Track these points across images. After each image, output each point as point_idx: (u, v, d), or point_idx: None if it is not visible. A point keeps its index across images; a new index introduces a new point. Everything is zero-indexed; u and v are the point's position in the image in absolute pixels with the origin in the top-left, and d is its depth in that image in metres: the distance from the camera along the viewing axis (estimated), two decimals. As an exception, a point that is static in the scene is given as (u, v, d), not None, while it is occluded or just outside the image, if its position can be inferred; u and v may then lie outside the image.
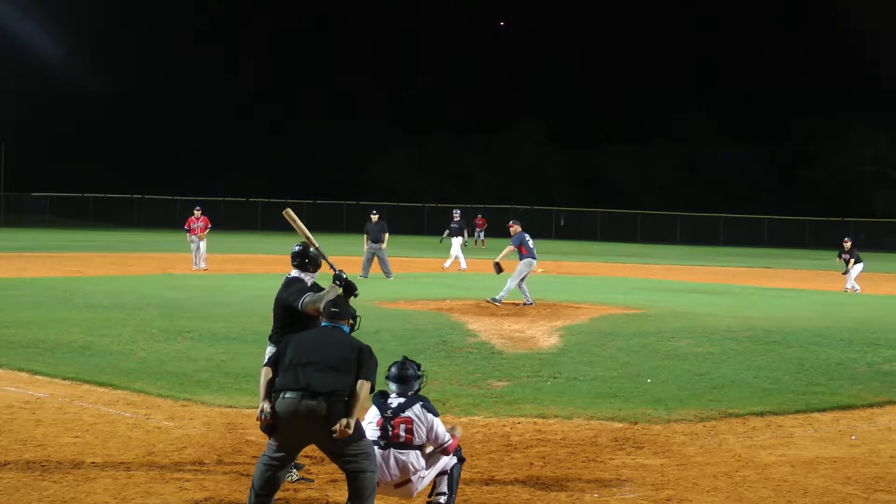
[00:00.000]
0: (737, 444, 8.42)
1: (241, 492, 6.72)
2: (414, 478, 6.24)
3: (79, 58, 68.00)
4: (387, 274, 24.47)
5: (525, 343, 13.94)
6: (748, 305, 20.63)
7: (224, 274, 25.57)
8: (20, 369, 10.97)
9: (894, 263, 42.26)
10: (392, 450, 6.20)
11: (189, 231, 27.19)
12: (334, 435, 5.87)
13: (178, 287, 21.16)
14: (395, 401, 6.38)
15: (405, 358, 6.71)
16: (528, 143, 75.90)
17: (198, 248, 26.94)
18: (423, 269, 28.91)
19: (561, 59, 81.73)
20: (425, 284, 23.56)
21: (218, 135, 78.47)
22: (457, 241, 30.28)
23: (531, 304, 18.29)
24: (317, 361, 6.04)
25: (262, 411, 6.06)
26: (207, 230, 27.21)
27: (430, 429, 6.30)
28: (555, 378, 11.22)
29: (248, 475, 7.13)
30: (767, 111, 72.48)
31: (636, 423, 9.06)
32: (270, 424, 6.03)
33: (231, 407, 9.37)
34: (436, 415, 6.36)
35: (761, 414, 9.57)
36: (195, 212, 27.29)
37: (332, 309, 6.45)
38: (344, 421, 5.88)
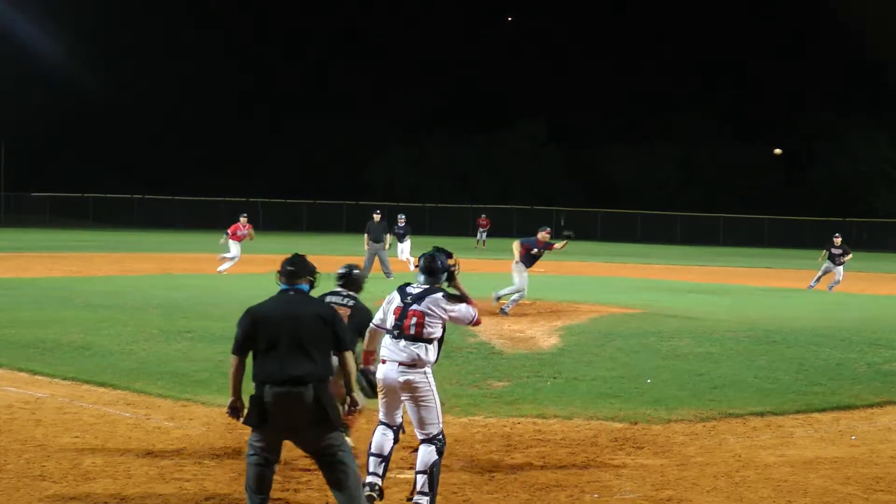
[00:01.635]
0: (737, 444, 8.42)
1: (240, 492, 6.71)
2: (420, 377, 6.49)
3: (78, 58, 68.00)
4: (387, 274, 24.47)
5: (525, 343, 13.94)
6: (748, 305, 20.63)
7: (224, 274, 25.56)
8: (20, 369, 10.98)
9: (894, 263, 42.23)
10: (403, 340, 6.53)
11: (231, 236, 26.65)
12: (344, 414, 6.03)
13: (178, 287, 21.15)
14: (414, 289, 6.71)
15: (436, 248, 6.90)
16: (528, 143, 75.87)
17: (234, 255, 26.56)
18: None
19: (561, 58, 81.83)
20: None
21: (218, 135, 78.47)
22: (403, 246, 28.69)
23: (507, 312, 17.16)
24: (295, 345, 5.89)
25: (233, 409, 6.07)
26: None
27: (447, 319, 6.61)
28: (555, 378, 11.22)
29: (248, 475, 7.14)
30: (768, 111, 72.47)
31: (636, 423, 9.06)
32: (259, 415, 5.95)
33: (231, 407, 9.36)
34: (457, 299, 6.65)
35: (761, 414, 9.58)
36: (241, 219, 26.97)
37: (289, 268, 6.18)
38: (349, 399, 6.01)
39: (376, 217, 25.45)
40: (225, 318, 15.39)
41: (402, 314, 6.61)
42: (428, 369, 6.55)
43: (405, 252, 28.64)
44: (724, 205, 64.70)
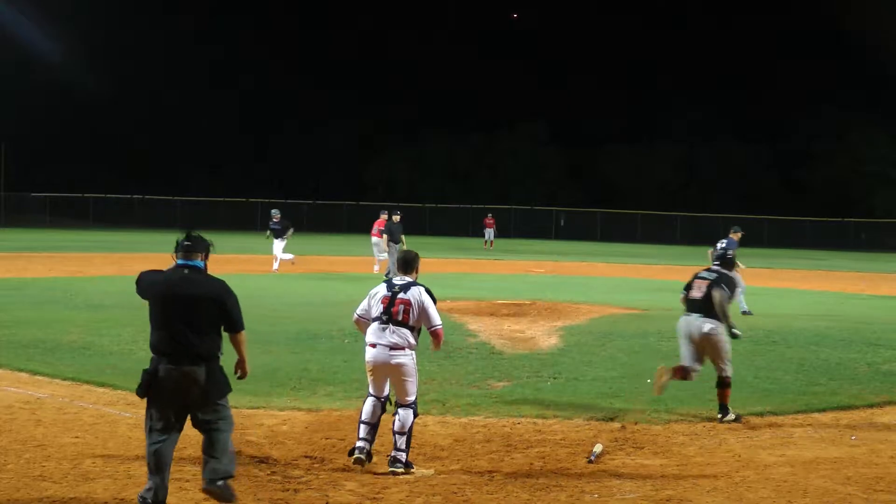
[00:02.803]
0: (737, 444, 8.42)
1: (240, 492, 6.72)
2: (408, 359, 7.38)
3: (78, 58, 67.98)
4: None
5: (525, 343, 13.94)
6: (748, 305, 20.59)
7: (224, 274, 25.57)
8: (20, 369, 10.98)
9: (894, 263, 42.23)
10: (391, 325, 7.36)
11: (376, 234, 26.80)
12: (237, 375, 6.56)
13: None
14: (400, 281, 7.57)
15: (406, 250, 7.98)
16: (528, 143, 75.88)
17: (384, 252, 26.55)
18: (423, 269, 28.94)
19: (561, 58, 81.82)
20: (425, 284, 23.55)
21: (218, 134, 78.48)
22: (279, 243, 27.42)
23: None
24: (188, 321, 6.21)
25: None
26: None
27: (422, 310, 7.38)
28: (555, 378, 11.22)
29: (248, 475, 7.14)
30: (768, 111, 72.48)
31: (636, 423, 9.07)
32: (146, 389, 6.25)
33: (231, 407, 9.34)
34: (433, 301, 7.46)
35: (761, 414, 9.58)
36: (382, 215, 27.16)
37: (186, 243, 6.44)
38: (240, 370, 6.61)
39: (395, 218, 25.21)
40: (225, 318, 15.41)
41: (390, 302, 7.41)
42: (412, 352, 7.45)
43: (278, 249, 27.20)
44: (724, 205, 64.71)
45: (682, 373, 9.60)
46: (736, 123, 72.52)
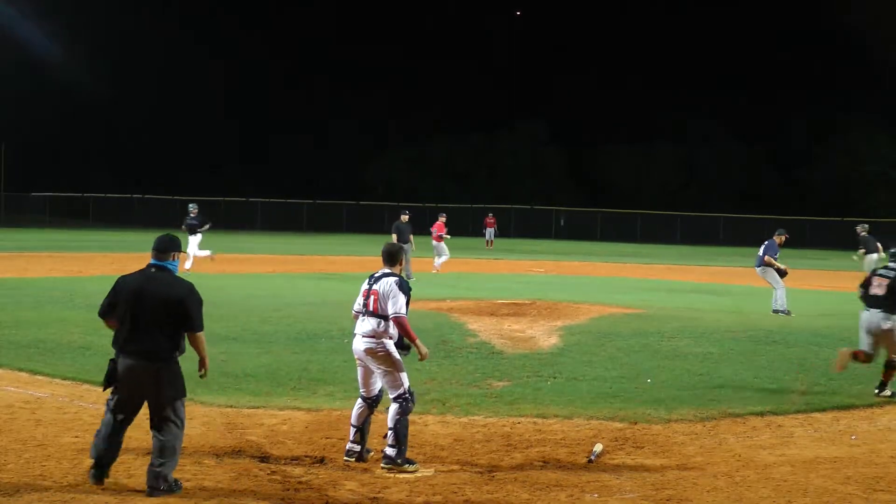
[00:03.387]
0: (737, 444, 8.42)
1: (241, 492, 6.72)
2: (378, 346, 7.60)
3: (78, 58, 67.95)
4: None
5: (525, 343, 13.94)
6: (748, 305, 20.62)
7: (224, 274, 25.55)
8: (20, 369, 10.98)
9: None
10: (366, 316, 7.70)
11: (436, 237, 28.55)
12: (200, 374, 6.84)
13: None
14: (378, 273, 7.86)
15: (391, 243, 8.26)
16: (528, 143, 75.87)
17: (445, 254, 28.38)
18: (422, 268, 28.92)
19: (561, 58, 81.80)
20: (425, 284, 23.54)
21: (218, 134, 78.46)
22: (194, 239, 26.15)
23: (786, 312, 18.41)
24: (147, 320, 6.56)
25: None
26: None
27: (387, 297, 7.62)
28: (555, 378, 11.23)
29: (248, 475, 7.14)
30: (767, 111, 72.47)
31: (636, 423, 9.07)
32: (108, 380, 6.67)
33: (231, 407, 9.38)
34: (403, 292, 7.66)
35: (761, 414, 9.58)
36: (441, 218, 29.01)
37: (157, 244, 6.87)
38: (203, 371, 6.86)
39: (404, 217, 25.04)
40: (225, 318, 15.38)
41: (367, 295, 7.76)
42: (386, 340, 7.64)
43: (193, 246, 25.94)
44: (724, 205, 64.69)
45: (862, 356, 10.82)
46: (736, 123, 72.51)
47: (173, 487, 6.60)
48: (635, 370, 11.82)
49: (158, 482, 6.57)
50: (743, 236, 60.48)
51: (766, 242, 19.33)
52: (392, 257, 7.97)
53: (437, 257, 28.34)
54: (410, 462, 7.47)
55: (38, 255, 31.94)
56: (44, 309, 16.34)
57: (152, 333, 6.59)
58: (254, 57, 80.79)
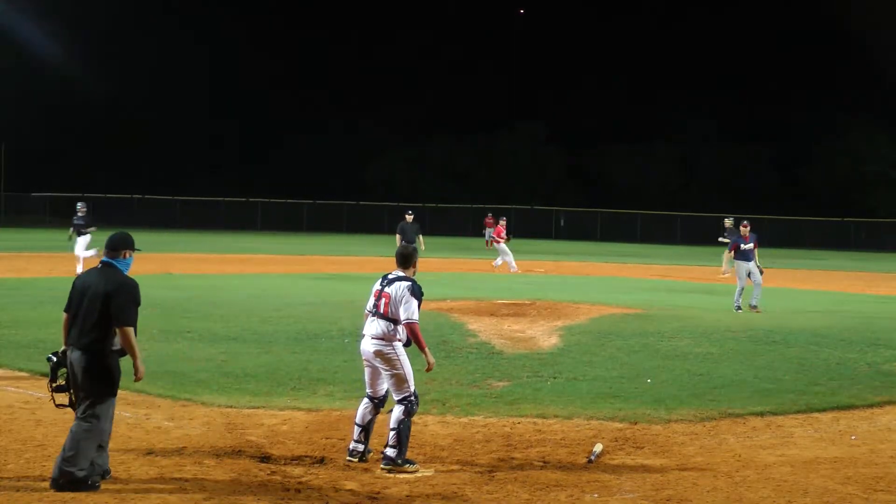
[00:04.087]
0: (737, 444, 8.42)
1: (241, 492, 6.72)
2: (387, 348, 7.56)
3: (78, 58, 67.94)
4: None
5: (525, 343, 13.94)
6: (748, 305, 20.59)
7: (224, 274, 25.56)
8: (20, 369, 10.98)
9: (894, 263, 42.23)
10: (376, 318, 7.65)
11: (496, 240, 29.72)
12: (135, 378, 6.85)
13: (178, 287, 21.14)
14: (391, 275, 7.82)
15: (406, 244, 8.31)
16: (528, 143, 75.86)
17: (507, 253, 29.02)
18: (422, 268, 28.98)
19: (561, 58, 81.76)
20: (425, 284, 23.54)
21: (218, 135, 78.42)
22: (82, 240, 24.67)
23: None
24: (85, 314, 6.76)
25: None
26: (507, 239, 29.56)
27: (399, 302, 7.60)
28: (555, 378, 11.22)
29: (248, 475, 7.14)
30: (767, 111, 72.45)
31: (636, 423, 9.07)
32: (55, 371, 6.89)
33: (231, 407, 9.37)
34: (416, 297, 7.68)
35: (761, 414, 9.58)
36: (501, 222, 29.76)
37: (109, 243, 7.07)
38: (139, 370, 6.82)
39: (409, 217, 24.93)
40: (225, 318, 15.39)
41: (378, 295, 7.72)
42: (395, 343, 7.63)
43: (80, 247, 24.61)
44: (724, 205, 64.68)
45: None
46: (736, 123, 72.50)
47: (80, 484, 6.57)
48: (635, 370, 11.82)
49: (60, 475, 6.60)
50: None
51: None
52: (406, 260, 7.94)
53: (502, 257, 29.06)
54: (410, 462, 7.47)
55: (38, 255, 31.94)
56: (44, 309, 16.32)
57: (86, 326, 6.74)
58: (254, 57, 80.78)
